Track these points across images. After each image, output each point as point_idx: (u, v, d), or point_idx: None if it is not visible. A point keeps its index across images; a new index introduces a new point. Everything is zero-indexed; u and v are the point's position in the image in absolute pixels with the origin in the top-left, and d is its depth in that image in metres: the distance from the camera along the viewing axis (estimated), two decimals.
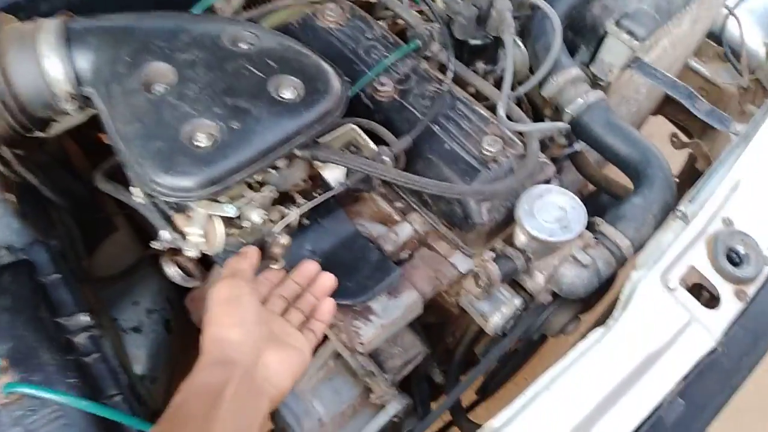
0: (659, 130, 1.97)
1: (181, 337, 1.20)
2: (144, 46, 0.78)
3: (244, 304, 0.69)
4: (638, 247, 0.83)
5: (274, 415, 0.95)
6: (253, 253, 0.78)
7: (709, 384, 0.71)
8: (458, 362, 1.07)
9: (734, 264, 0.77)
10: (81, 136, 1.28)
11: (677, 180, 1.56)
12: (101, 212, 1.25)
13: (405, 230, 0.94)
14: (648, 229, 0.84)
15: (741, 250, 0.78)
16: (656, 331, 0.72)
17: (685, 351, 0.71)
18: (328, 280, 0.80)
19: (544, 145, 1.00)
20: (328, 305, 0.78)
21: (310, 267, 0.81)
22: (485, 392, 1.14)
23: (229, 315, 0.67)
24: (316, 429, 0.92)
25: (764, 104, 0.92)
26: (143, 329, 1.12)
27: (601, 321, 1.06)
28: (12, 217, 1.00)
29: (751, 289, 0.76)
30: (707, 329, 0.73)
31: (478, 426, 0.71)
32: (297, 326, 0.75)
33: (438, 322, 1.08)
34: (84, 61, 0.78)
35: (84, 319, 0.81)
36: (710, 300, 0.77)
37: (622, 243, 0.82)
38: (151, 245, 0.85)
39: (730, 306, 0.75)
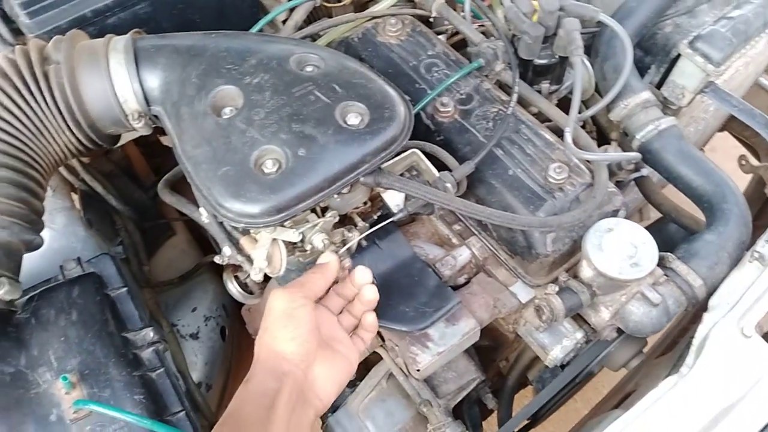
0: (723, 144, 1.89)
1: (234, 345, 1.22)
2: (213, 68, 0.79)
3: (299, 319, 0.70)
4: (711, 287, 0.80)
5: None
6: (332, 268, 0.77)
7: None
8: (511, 387, 1.05)
9: None
10: (141, 138, 1.31)
11: None
12: (162, 218, 1.28)
13: (463, 255, 0.92)
14: (722, 268, 0.80)
15: None
16: (732, 382, 0.69)
17: (761, 403, 0.68)
18: (371, 292, 0.78)
19: (612, 172, 0.96)
20: (372, 318, 0.79)
21: (364, 274, 0.79)
22: (536, 418, 1.12)
23: (284, 328, 0.69)
24: None
25: None
26: (200, 336, 1.15)
27: (663, 352, 1.04)
28: (78, 225, 1.03)
29: None
30: None
31: None
32: (348, 330, 0.78)
33: (491, 345, 1.06)
34: (153, 80, 0.80)
35: (150, 334, 0.83)
36: None
37: (694, 282, 0.79)
38: (214, 260, 0.87)
39: None
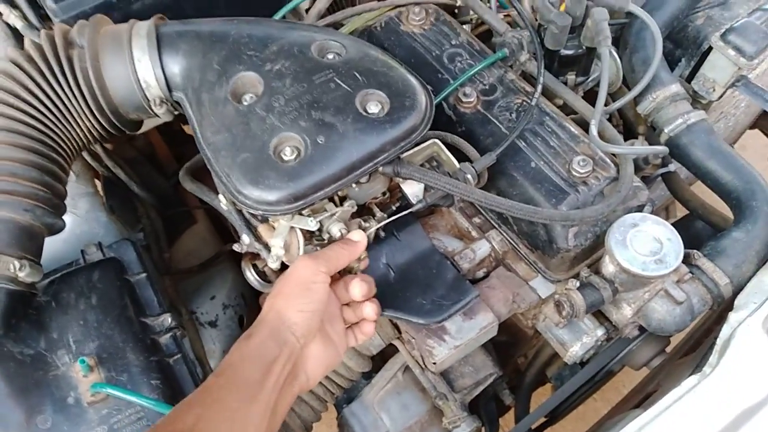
0: (754, 143, 1.84)
1: None
2: (234, 54, 0.78)
3: (315, 293, 0.70)
4: (737, 286, 0.77)
5: (342, 423, 0.96)
6: (360, 247, 0.76)
7: None
8: (529, 384, 1.04)
9: None
10: (164, 127, 1.32)
11: None
12: (183, 206, 1.29)
13: (483, 248, 0.91)
14: (749, 267, 0.77)
15: None
16: (756, 382, 0.66)
17: None
18: (371, 312, 0.76)
19: (638, 167, 0.94)
20: (370, 329, 0.78)
21: (356, 290, 0.75)
22: (555, 415, 1.10)
23: (298, 298, 0.69)
24: None
25: None
26: (219, 324, 1.15)
27: (687, 353, 1.01)
28: (100, 211, 1.04)
29: None
30: None
31: None
32: (347, 324, 0.78)
33: (509, 341, 1.05)
34: (175, 66, 0.80)
35: (168, 319, 0.83)
36: None
37: (720, 280, 0.77)
38: (234, 248, 0.87)
39: None
